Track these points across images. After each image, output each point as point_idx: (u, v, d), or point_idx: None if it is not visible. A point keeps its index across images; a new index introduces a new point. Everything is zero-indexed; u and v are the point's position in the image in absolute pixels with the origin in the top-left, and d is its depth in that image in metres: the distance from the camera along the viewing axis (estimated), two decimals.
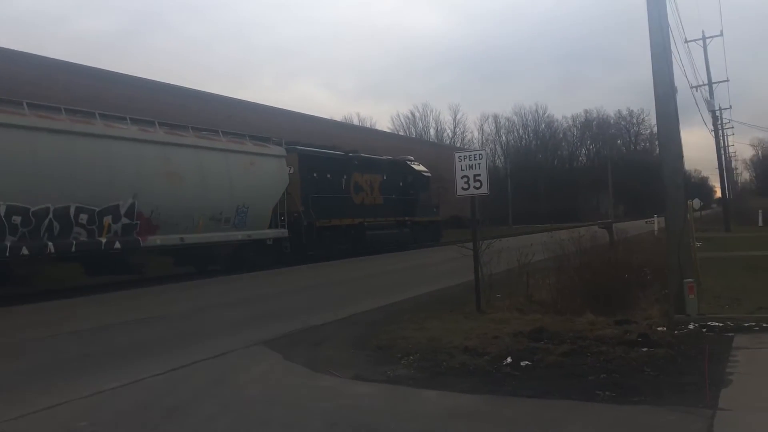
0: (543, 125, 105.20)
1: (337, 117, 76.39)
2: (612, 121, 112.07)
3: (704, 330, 8.80)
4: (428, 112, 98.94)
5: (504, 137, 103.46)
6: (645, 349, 7.71)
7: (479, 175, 10.99)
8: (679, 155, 10.30)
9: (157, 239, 19.29)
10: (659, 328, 8.89)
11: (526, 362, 7.40)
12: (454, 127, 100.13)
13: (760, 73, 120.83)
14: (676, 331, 8.74)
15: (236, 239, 22.18)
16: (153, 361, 8.35)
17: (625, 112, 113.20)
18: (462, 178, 11.05)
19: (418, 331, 9.34)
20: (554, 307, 11.03)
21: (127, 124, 19.08)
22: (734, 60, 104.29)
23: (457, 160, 11.19)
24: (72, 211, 17.00)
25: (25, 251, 15.94)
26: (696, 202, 26.32)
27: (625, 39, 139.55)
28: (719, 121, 44.29)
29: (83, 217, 17.28)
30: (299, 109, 52.96)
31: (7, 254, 15.59)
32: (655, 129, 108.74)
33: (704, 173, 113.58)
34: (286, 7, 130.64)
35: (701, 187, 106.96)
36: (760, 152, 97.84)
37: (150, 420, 6.06)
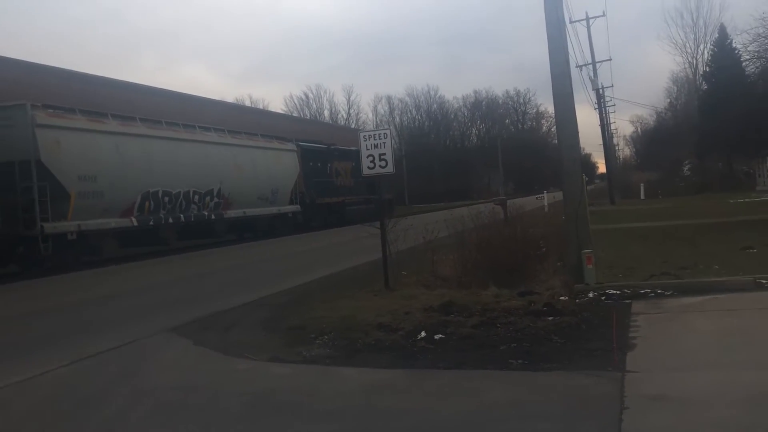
0: (435, 106, 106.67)
1: (229, 99, 74.91)
2: (500, 101, 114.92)
3: (603, 298, 9.21)
4: (322, 94, 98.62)
5: (398, 118, 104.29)
6: (551, 318, 8.02)
7: (384, 154, 11.06)
8: (575, 132, 10.70)
9: (231, 213, 27.61)
10: (561, 298, 9.24)
11: (440, 335, 7.55)
12: (348, 109, 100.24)
13: (638, 52, 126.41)
14: (577, 300, 9.11)
15: (272, 213, 30.73)
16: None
17: (512, 93, 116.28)
18: (368, 157, 11.10)
19: (330, 310, 9.35)
20: (458, 281, 11.29)
21: (210, 131, 27.54)
22: (614, 41, 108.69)
23: (362, 139, 11.22)
24: (191, 193, 25.12)
25: (169, 220, 24.11)
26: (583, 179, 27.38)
27: (505, 23, 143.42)
28: (602, 99, 46.09)
29: (196, 197, 25.44)
30: (188, 92, 51.15)
31: (161, 222, 23.66)
32: (541, 108, 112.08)
33: (587, 150, 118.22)
34: None
35: (585, 163, 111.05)
36: (639, 129, 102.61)
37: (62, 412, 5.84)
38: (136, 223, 22.32)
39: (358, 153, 21.43)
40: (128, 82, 35.13)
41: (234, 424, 5.33)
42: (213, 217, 26.22)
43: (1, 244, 18.02)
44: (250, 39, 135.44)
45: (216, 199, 26.34)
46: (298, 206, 32.80)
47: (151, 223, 23.09)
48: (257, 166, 29.50)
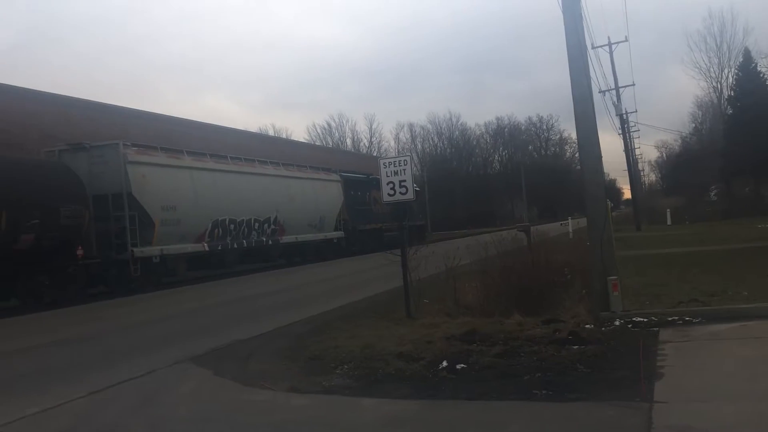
0: (457, 133, 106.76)
1: (252, 128, 75.54)
2: (523, 127, 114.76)
3: (630, 326, 9.00)
4: (344, 122, 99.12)
5: (420, 145, 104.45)
6: (576, 347, 7.83)
7: (404, 180, 10.99)
8: (598, 155, 10.54)
9: (285, 238, 30.01)
10: (587, 326, 9.05)
11: (462, 365, 7.38)
12: (371, 137, 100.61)
13: (661, 77, 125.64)
14: (603, 328, 8.91)
15: (319, 238, 32.68)
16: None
17: (535, 119, 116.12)
18: (388, 184, 11.03)
19: (351, 339, 9.23)
20: (481, 309, 11.11)
21: (267, 164, 30.14)
22: (637, 65, 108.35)
23: (382, 166, 11.16)
24: (252, 221, 27.61)
25: (234, 245, 26.43)
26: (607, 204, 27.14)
27: (524, 50, 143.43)
28: (626, 125, 45.81)
29: (256, 225, 27.93)
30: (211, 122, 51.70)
31: (228, 247, 25.95)
32: (564, 134, 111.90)
33: (612, 176, 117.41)
34: (173, 23, 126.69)
35: (610, 189, 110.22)
36: (664, 154, 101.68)
37: None
38: (207, 248, 24.85)
39: None
40: (161, 114, 36.97)
41: None
42: (270, 242, 29.08)
43: (96, 267, 20.51)
44: (268, 70, 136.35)
45: (273, 226, 29.08)
46: (342, 232, 34.95)
47: (219, 248, 25.53)
48: (307, 195, 31.80)
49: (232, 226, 26.22)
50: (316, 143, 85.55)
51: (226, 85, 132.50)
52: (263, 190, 28.37)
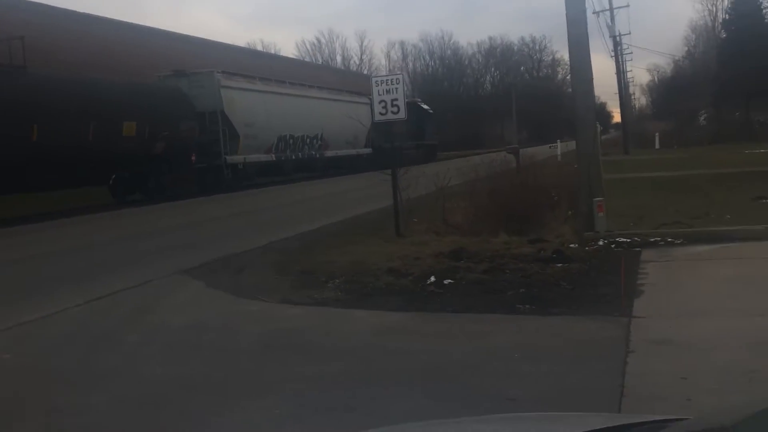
0: (449, 52, 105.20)
1: (240, 43, 74.22)
2: (515, 48, 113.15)
3: (613, 246, 9.26)
4: (334, 39, 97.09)
5: (411, 65, 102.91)
6: (560, 265, 8.08)
7: (396, 99, 11.01)
8: (590, 78, 10.59)
9: (328, 153, 35.53)
10: (571, 245, 9.30)
11: (449, 280, 7.63)
12: (361, 54, 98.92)
13: None
14: (587, 248, 9.16)
15: (353, 154, 37.25)
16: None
17: (528, 40, 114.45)
18: (380, 103, 11.05)
19: (341, 255, 9.45)
20: (469, 229, 11.33)
21: (314, 89, 35.64)
22: None
23: (374, 85, 11.16)
24: (305, 137, 33.22)
25: (292, 157, 32.26)
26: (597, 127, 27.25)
27: None
28: (619, 47, 45.39)
29: (308, 140, 33.50)
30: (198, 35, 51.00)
31: (289, 158, 31.89)
32: (557, 55, 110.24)
33: (602, 99, 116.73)
34: None
35: (600, 112, 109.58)
36: (656, 77, 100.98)
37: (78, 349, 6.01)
38: (274, 158, 30.61)
39: (410, 104, 24.34)
40: (139, 25, 36.63)
41: (245, 361, 5.48)
42: (317, 155, 34.69)
43: (203, 170, 25.76)
44: None
45: (320, 142, 34.43)
46: (370, 149, 37.68)
47: (283, 158, 31.41)
48: (343, 116, 32.44)
49: (291, 141, 32.02)
50: (306, 59, 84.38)
51: None
52: (313, 110, 32.99)
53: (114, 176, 23.68)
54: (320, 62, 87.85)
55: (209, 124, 25.95)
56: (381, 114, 11.15)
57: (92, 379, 5.14)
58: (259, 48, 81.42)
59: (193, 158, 24.86)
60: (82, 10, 32.19)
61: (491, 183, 12.99)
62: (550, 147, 40.91)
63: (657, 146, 47.21)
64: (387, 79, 11.24)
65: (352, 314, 6.72)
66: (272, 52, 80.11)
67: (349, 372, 5.09)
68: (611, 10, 41.08)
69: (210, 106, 25.93)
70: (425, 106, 51.07)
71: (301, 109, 32.22)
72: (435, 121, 53.90)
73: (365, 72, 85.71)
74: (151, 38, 35.36)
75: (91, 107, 20.24)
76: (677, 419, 1.81)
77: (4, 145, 17.37)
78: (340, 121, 32.73)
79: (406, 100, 42.80)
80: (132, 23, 36.05)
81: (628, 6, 43.47)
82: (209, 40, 43.65)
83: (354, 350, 5.59)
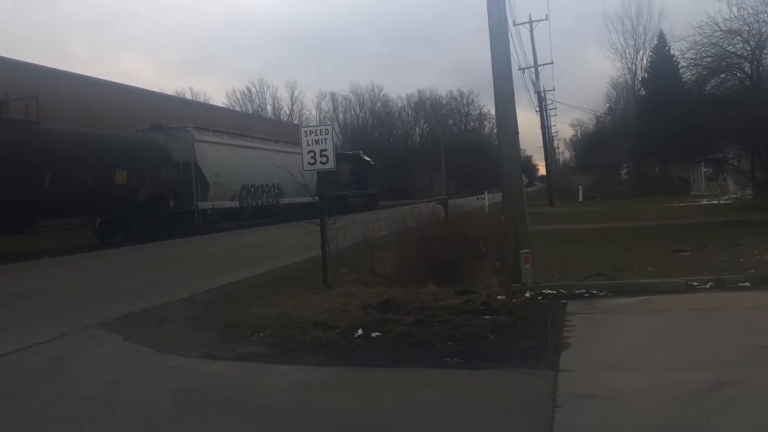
0: (379, 104, 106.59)
1: (168, 91, 73.48)
2: (444, 101, 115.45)
3: (539, 298, 9.31)
4: (265, 89, 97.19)
5: (341, 115, 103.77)
6: (487, 317, 8.06)
7: (325, 150, 10.97)
8: (515, 131, 10.78)
9: (283, 200, 36.71)
10: (499, 297, 9.30)
11: (377, 333, 7.50)
12: (292, 105, 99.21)
13: (579, 57, 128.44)
14: (514, 299, 9.18)
15: (304, 202, 34.61)
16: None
17: (456, 93, 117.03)
18: (309, 153, 11.00)
19: (266, 307, 9.22)
20: (398, 279, 11.25)
21: (272, 142, 38.11)
22: (556, 44, 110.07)
23: (303, 134, 11.12)
24: (264, 186, 35.29)
25: (252, 204, 34.54)
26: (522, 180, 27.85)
27: (448, 24, 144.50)
28: (543, 102, 46.77)
29: (266, 189, 35.61)
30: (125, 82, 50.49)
31: (250, 205, 34.26)
32: (483, 110, 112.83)
33: (528, 152, 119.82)
34: None
35: (525, 165, 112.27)
36: (579, 132, 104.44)
37: None
38: (237, 205, 33.34)
39: (355, 156, 40.81)
40: (77, 74, 37.55)
41: (163, 419, 5.21)
42: (274, 202, 36.59)
43: (177, 215, 28.07)
44: (186, 31, 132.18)
45: (276, 191, 36.28)
46: (317, 197, 39.42)
47: (245, 205, 33.96)
48: (297, 167, 35.74)
49: (252, 189, 34.47)
50: (236, 108, 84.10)
51: (141, 44, 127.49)
52: (269, 162, 32.12)
53: (99, 219, 26.33)
54: (251, 111, 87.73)
55: (183, 174, 28.64)
56: (310, 164, 11.09)
57: None
58: (188, 96, 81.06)
59: (172, 204, 27.57)
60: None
61: (420, 233, 12.98)
62: (478, 198, 41.52)
63: (581, 199, 48.51)
64: (316, 129, 11.21)
65: (275, 369, 6.51)
66: (202, 100, 79.91)
67: (270, 429, 4.89)
68: (536, 66, 42.48)
69: (185, 157, 28.63)
70: (367, 158, 55.40)
71: (261, 161, 33.77)
72: (375, 173, 57.77)
73: (296, 122, 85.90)
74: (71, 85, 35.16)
75: (90, 158, 23.03)
76: None
77: (21, 191, 19.89)
78: (295, 172, 32.93)
79: (351, 153, 47.75)
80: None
81: (552, 63, 45.19)
82: (138, 88, 43.43)
83: (276, 406, 5.40)
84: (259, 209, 35.70)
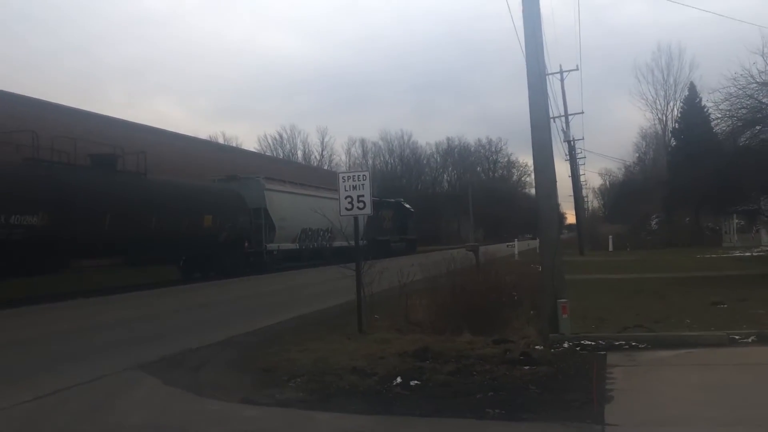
0: (408, 151, 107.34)
1: (202, 135, 74.61)
2: (472, 148, 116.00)
3: (578, 348, 9.17)
4: (296, 134, 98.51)
5: (371, 161, 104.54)
6: (527, 368, 7.95)
7: (363, 195, 11.04)
8: (553, 181, 10.76)
9: (335, 243, 36.47)
10: (536, 347, 9.19)
11: (416, 382, 7.43)
12: (322, 150, 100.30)
13: (609, 107, 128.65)
14: (552, 350, 9.07)
15: (353, 245, 36.51)
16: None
17: (484, 141, 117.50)
18: (346, 198, 11.06)
19: (302, 352, 9.19)
20: (432, 326, 11.17)
21: (325, 190, 39.35)
22: (587, 94, 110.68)
23: (341, 180, 11.20)
24: (319, 230, 38.12)
25: (310, 246, 37.98)
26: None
27: (476, 74, 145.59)
28: (573, 151, 46.72)
29: (320, 233, 38.35)
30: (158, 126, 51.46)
31: (308, 247, 37.81)
32: (512, 157, 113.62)
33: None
34: (131, 25, 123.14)
35: None
36: (608, 182, 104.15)
37: None
38: (298, 247, 37.03)
39: (396, 203, 53.54)
40: (112, 117, 37.19)
41: None
42: (327, 245, 38.48)
43: (251, 255, 32.20)
44: (220, 78, 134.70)
45: (329, 234, 38.00)
46: (365, 242, 40.74)
47: (303, 247, 37.45)
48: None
49: (309, 233, 37.88)
50: (267, 153, 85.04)
51: (174, 91, 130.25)
52: (325, 207, 36.49)
53: (184, 258, 29.39)
54: (281, 156, 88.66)
55: (254, 218, 32.20)
56: (347, 209, 11.14)
57: None
58: (221, 140, 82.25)
59: (246, 245, 31.67)
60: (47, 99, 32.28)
61: (453, 280, 12.91)
62: (507, 246, 41.33)
63: (611, 248, 48.02)
64: (354, 175, 11.29)
65: (315, 416, 6.45)
66: (234, 144, 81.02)
67: None
68: (566, 116, 42.52)
69: (255, 203, 32.48)
70: (407, 205, 59.59)
71: (317, 207, 35.35)
72: (414, 219, 60.99)
73: (326, 167, 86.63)
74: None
75: (184, 204, 26.88)
76: None
77: (134, 232, 23.41)
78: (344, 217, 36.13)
79: (393, 200, 52.01)
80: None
81: (582, 113, 45.15)
82: (173, 132, 44.18)
83: None
84: (315, 251, 38.63)
